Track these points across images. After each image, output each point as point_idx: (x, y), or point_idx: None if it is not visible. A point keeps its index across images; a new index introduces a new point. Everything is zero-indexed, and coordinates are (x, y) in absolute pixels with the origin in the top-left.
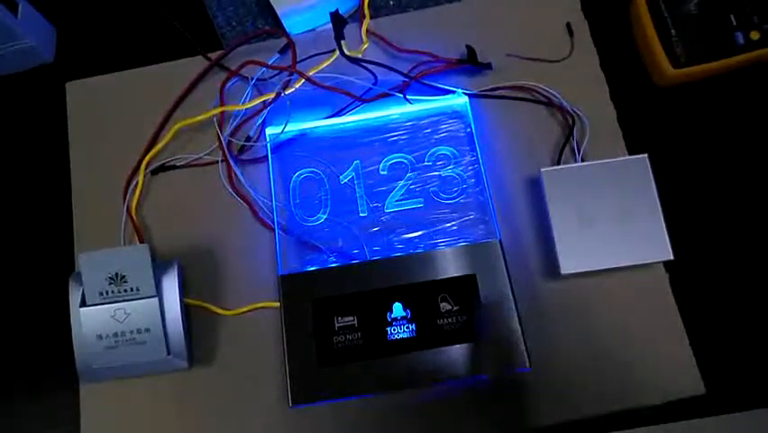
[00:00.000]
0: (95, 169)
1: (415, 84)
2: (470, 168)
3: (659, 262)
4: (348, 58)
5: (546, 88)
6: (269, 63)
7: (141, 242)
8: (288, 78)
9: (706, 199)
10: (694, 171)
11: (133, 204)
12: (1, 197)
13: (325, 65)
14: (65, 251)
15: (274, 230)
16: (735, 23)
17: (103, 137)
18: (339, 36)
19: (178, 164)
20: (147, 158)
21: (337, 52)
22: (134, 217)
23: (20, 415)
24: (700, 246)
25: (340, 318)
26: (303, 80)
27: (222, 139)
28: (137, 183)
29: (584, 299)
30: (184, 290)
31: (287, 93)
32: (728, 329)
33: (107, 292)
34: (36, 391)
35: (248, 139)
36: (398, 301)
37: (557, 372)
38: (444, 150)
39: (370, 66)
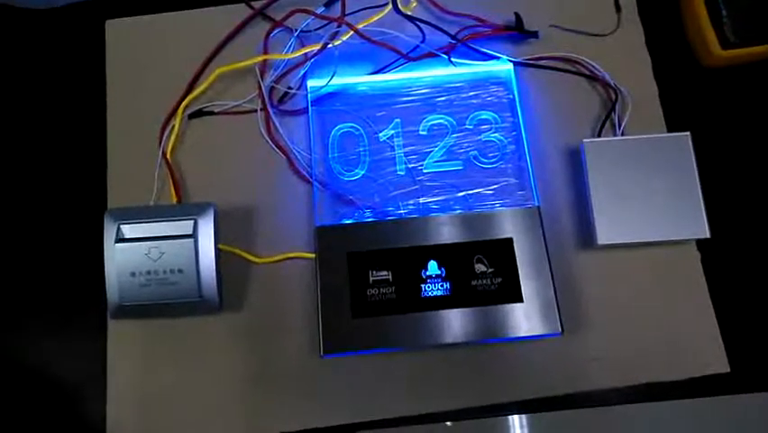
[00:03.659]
0: (132, 109)
1: (460, 47)
2: (510, 134)
3: (692, 240)
4: (401, 13)
5: (590, 62)
6: (318, 13)
7: (175, 184)
8: (335, 30)
9: (742, 182)
10: (732, 154)
11: (169, 147)
12: (37, 135)
13: (376, 19)
14: (99, 190)
15: (310, 182)
16: None
17: (141, 78)
18: None
19: (216, 110)
20: (185, 101)
21: (389, 6)
22: (169, 161)
23: (46, 352)
24: (734, 227)
25: (374, 272)
26: (350, 33)
27: (263, 87)
28: (173, 126)
29: (617, 271)
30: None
31: (334, 45)
32: (756, 311)
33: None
34: (63, 329)
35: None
36: (434, 259)
37: (586, 340)
38: (486, 114)
39: (420, 24)
